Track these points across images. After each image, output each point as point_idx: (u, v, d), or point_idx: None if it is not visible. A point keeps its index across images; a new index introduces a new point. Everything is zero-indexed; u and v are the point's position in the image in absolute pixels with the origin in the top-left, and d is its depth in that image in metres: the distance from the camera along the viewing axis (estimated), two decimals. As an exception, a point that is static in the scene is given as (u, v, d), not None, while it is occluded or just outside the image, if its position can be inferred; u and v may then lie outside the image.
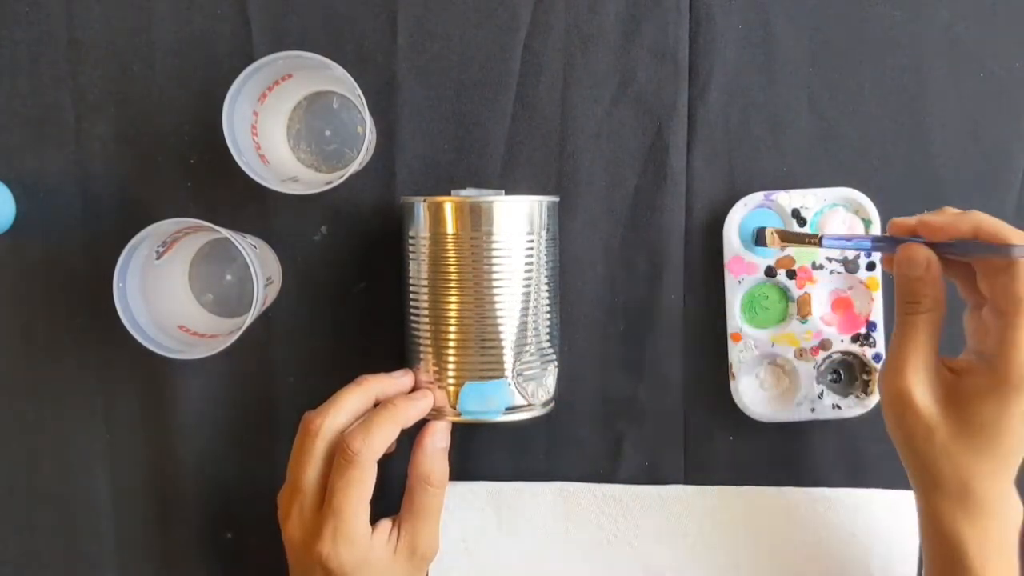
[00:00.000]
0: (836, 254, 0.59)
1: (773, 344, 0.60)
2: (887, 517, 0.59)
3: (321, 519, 0.50)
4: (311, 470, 0.51)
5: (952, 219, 0.48)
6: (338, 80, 0.54)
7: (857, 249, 0.57)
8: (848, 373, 0.60)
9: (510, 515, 0.60)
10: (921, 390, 0.48)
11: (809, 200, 0.59)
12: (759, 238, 0.58)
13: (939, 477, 0.48)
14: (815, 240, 0.54)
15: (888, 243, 0.52)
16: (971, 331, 0.51)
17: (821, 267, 0.59)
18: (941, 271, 0.48)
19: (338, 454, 0.50)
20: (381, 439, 0.51)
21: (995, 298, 0.47)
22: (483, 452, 0.61)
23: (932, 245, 0.49)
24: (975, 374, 0.47)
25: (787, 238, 0.57)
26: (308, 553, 0.50)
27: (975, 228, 0.47)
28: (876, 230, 0.59)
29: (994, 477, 0.47)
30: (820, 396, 0.60)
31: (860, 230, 0.59)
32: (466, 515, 0.60)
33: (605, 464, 0.61)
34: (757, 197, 0.59)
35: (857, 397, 0.60)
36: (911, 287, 0.49)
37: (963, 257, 0.49)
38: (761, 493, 0.60)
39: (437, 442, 0.54)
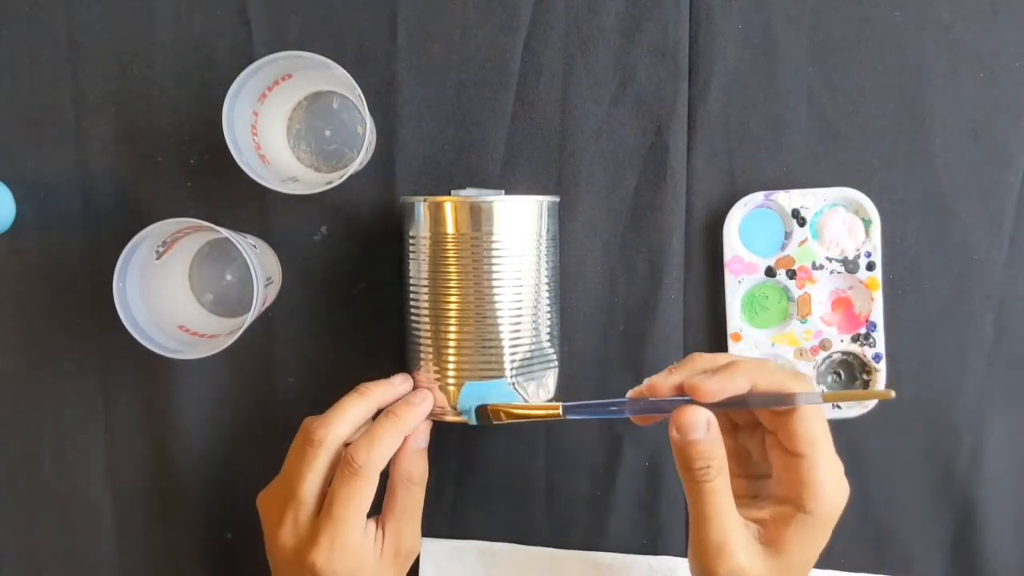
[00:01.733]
0: (836, 253, 0.59)
1: (773, 344, 0.60)
2: None
3: (318, 527, 0.50)
4: (311, 479, 0.51)
5: (723, 379, 0.46)
6: (338, 80, 0.54)
7: (604, 417, 0.51)
8: (848, 373, 0.60)
9: None
10: (746, 558, 0.45)
11: (809, 200, 0.59)
12: (480, 416, 0.52)
13: None
14: (555, 412, 0.50)
15: (645, 405, 0.48)
16: (756, 456, 0.50)
17: (821, 267, 0.59)
18: (718, 428, 0.46)
19: (342, 465, 0.50)
20: (385, 450, 0.51)
21: (786, 440, 0.46)
22: (483, 453, 0.61)
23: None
24: (787, 522, 0.46)
25: (512, 415, 0.52)
26: (300, 562, 0.50)
27: (751, 383, 0.46)
28: (876, 230, 0.59)
29: None
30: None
31: (860, 230, 0.59)
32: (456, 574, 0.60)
33: (605, 464, 0.61)
34: (757, 197, 0.59)
35: (857, 397, 0.60)
36: (696, 452, 0.45)
37: (740, 408, 0.47)
38: None
39: (419, 443, 0.54)
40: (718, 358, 0.48)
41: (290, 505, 0.51)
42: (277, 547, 0.51)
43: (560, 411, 0.50)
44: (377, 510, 0.53)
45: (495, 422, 0.52)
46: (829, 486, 0.46)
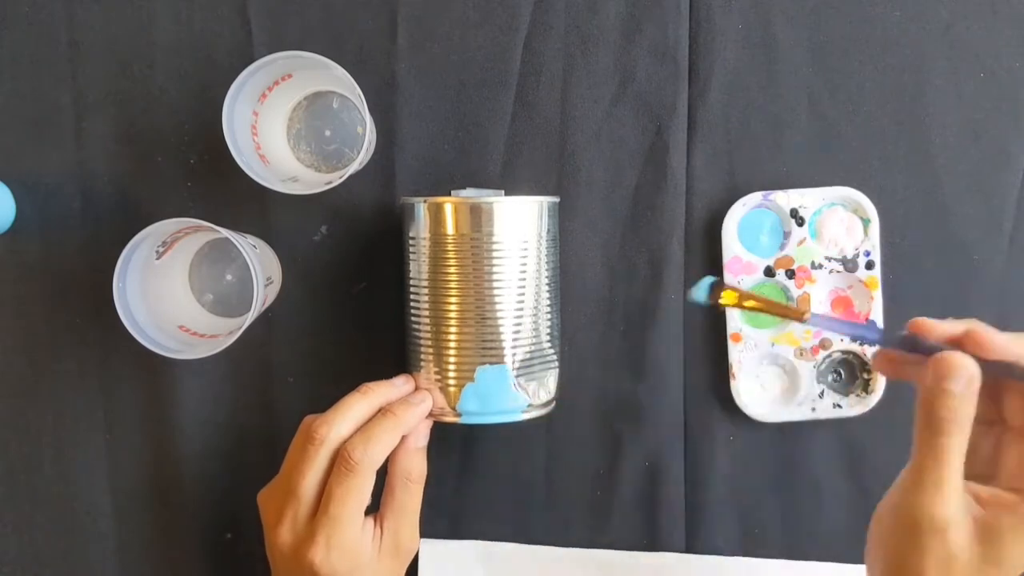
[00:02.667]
0: (835, 252, 0.59)
1: (773, 344, 0.60)
2: None
3: (315, 526, 0.50)
4: (311, 477, 0.51)
5: (1013, 337, 0.43)
6: (338, 80, 0.54)
7: (854, 335, 0.49)
8: (848, 372, 0.60)
9: None
10: (958, 520, 0.42)
11: (807, 200, 0.59)
12: (710, 292, 0.48)
13: None
14: (800, 314, 0.47)
15: (904, 343, 0.45)
16: (983, 454, 0.46)
17: (820, 267, 0.59)
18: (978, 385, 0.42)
19: (339, 462, 0.50)
20: (382, 448, 0.51)
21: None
22: (482, 453, 0.61)
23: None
24: (1013, 513, 0.42)
25: (751, 300, 0.48)
26: (298, 560, 0.50)
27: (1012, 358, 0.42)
28: (875, 229, 0.59)
29: None
30: (820, 395, 0.60)
31: (859, 229, 0.59)
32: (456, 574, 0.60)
33: (605, 464, 0.61)
34: (756, 197, 0.59)
35: (858, 396, 0.60)
36: (946, 403, 0.42)
37: (1007, 375, 0.43)
38: (761, 565, 0.60)
39: (418, 441, 0.54)
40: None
41: (289, 503, 0.51)
42: (276, 545, 0.51)
43: (808, 315, 0.46)
44: (375, 508, 0.53)
45: (723, 303, 0.47)
46: None
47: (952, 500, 0.42)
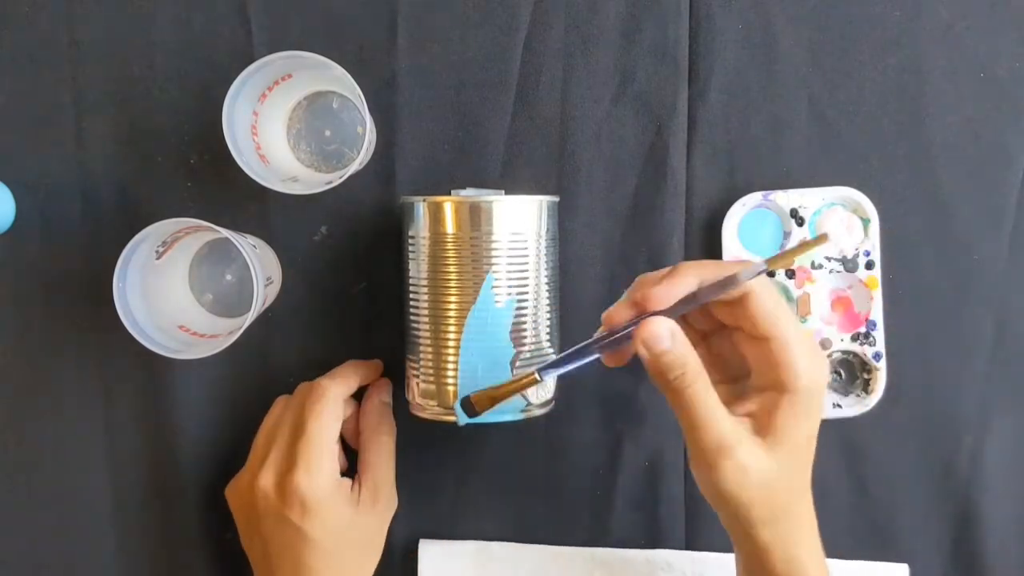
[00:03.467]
0: (835, 252, 0.59)
1: (773, 344, 0.60)
2: None
3: (294, 453, 0.52)
4: (287, 421, 0.55)
5: (670, 283, 0.46)
6: (338, 80, 0.54)
7: (580, 365, 0.48)
8: (848, 372, 0.60)
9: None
10: (748, 457, 0.44)
11: (807, 199, 0.59)
12: (466, 408, 0.50)
13: (773, 511, 0.46)
14: (531, 378, 0.48)
15: (609, 340, 0.47)
16: (731, 359, 0.49)
17: (820, 266, 0.59)
18: (683, 334, 0.45)
19: (309, 393, 0.55)
20: (346, 382, 0.56)
21: (749, 327, 0.46)
22: (483, 453, 0.61)
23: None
24: (776, 406, 0.45)
25: (494, 397, 0.49)
26: (282, 493, 0.52)
27: (699, 280, 0.46)
28: (875, 229, 0.59)
29: (804, 491, 0.48)
30: (820, 396, 0.60)
31: (859, 229, 0.59)
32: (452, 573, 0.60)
33: (605, 464, 0.61)
34: (756, 197, 0.59)
35: (857, 396, 0.60)
36: (667, 362, 0.45)
37: (694, 307, 0.46)
38: None
39: (383, 396, 0.58)
40: (661, 271, 0.47)
41: (269, 447, 0.54)
42: (259, 490, 0.53)
43: (536, 375, 0.48)
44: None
45: (478, 411, 0.49)
46: (804, 359, 0.45)
47: (718, 431, 0.44)
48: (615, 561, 0.60)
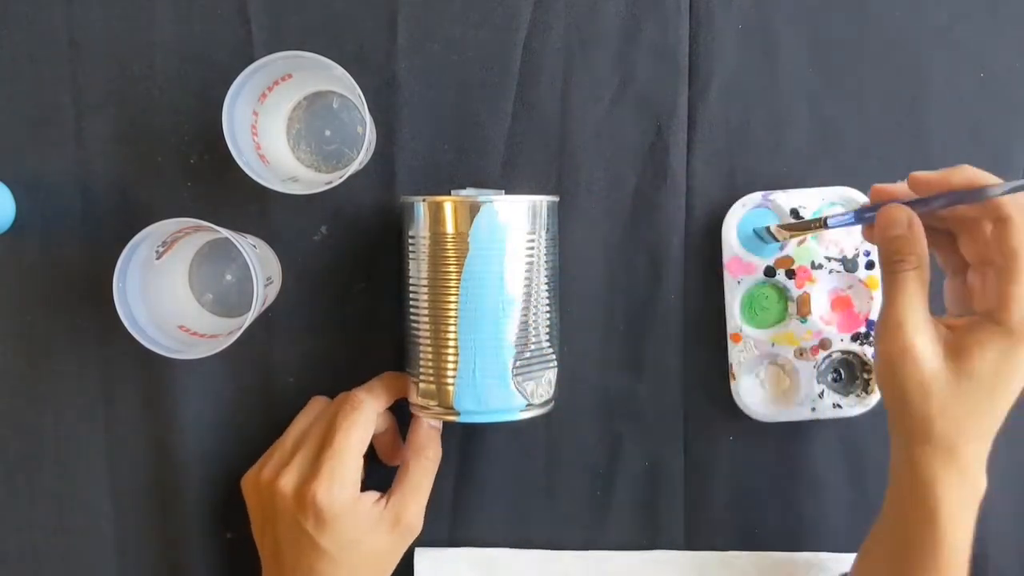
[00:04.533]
0: (835, 252, 0.59)
1: (773, 344, 0.60)
2: None
3: (320, 462, 0.52)
4: (320, 425, 0.55)
5: (941, 174, 0.48)
6: (338, 80, 0.54)
7: (858, 222, 0.54)
8: (848, 372, 0.61)
9: None
10: (923, 342, 0.47)
11: (807, 200, 0.59)
12: (765, 235, 0.58)
13: (930, 432, 0.47)
14: (821, 224, 0.55)
15: (868, 213, 0.52)
16: (954, 299, 0.52)
17: (820, 266, 0.59)
18: (921, 227, 0.48)
19: (344, 403, 0.54)
20: (384, 395, 0.56)
21: (988, 254, 0.47)
22: (482, 453, 0.61)
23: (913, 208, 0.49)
24: (976, 330, 0.47)
25: (794, 228, 0.57)
26: (300, 499, 0.52)
27: (967, 181, 0.47)
28: (875, 229, 0.59)
29: (981, 440, 0.48)
30: (821, 396, 0.60)
31: (858, 229, 0.59)
32: None
33: (605, 464, 0.61)
34: (756, 197, 0.59)
35: (858, 396, 0.60)
36: (895, 246, 0.48)
37: (942, 209, 0.49)
38: (762, 558, 0.60)
39: (432, 421, 0.56)
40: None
41: (297, 448, 0.54)
42: (277, 491, 0.52)
43: (825, 222, 0.54)
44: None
45: (779, 240, 0.58)
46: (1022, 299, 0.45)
47: (917, 329, 0.47)
48: (614, 564, 0.60)
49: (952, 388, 0.47)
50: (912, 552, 0.49)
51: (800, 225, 0.57)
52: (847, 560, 0.59)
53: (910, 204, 0.49)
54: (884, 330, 0.48)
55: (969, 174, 0.47)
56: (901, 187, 0.50)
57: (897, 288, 0.48)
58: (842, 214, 0.54)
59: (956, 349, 0.47)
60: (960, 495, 0.48)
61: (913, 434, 0.48)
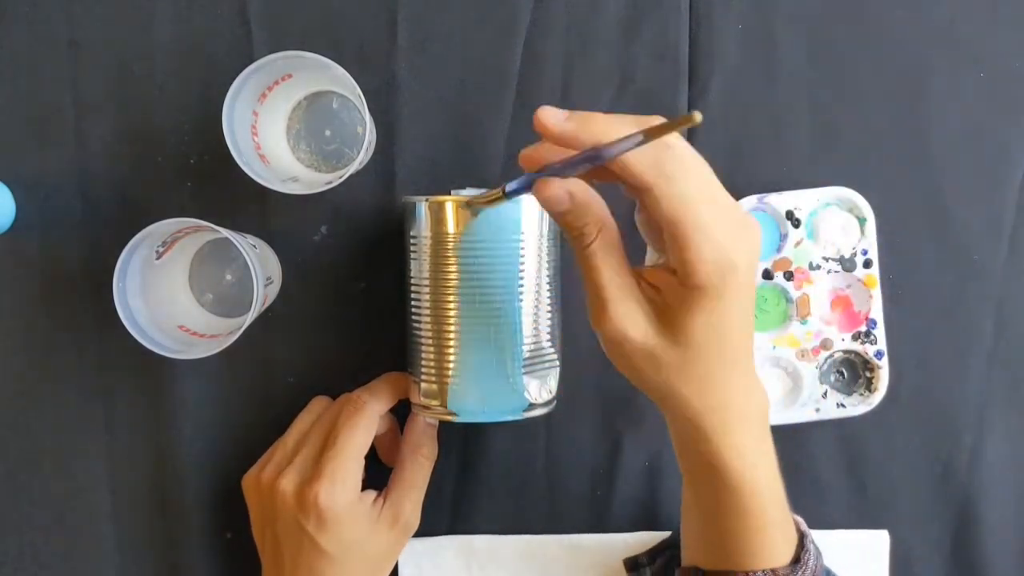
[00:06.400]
0: (832, 252, 0.59)
1: (775, 347, 0.60)
2: (855, 557, 0.60)
3: (321, 463, 0.52)
4: (322, 426, 0.55)
5: (569, 134, 0.40)
6: (338, 80, 0.54)
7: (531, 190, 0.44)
8: (851, 371, 0.61)
9: (481, 570, 0.60)
10: (631, 322, 0.42)
11: (802, 201, 0.59)
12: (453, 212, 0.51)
13: (677, 396, 0.44)
14: (500, 193, 0.46)
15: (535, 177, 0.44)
16: (645, 231, 0.46)
17: (818, 267, 0.59)
18: (586, 194, 0.41)
19: (346, 405, 0.55)
20: (385, 397, 0.56)
21: (651, 213, 0.41)
22: (483, 452, 0.61)
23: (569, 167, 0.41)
24: (678, 296, 0.42)
25: (475, 201, 0.50)
26: (301, 499, 0.52)
27: (596, 141, 0.39)
28: (871, 228, 0.59)
29: (729, 382, 0.44)
30: (824, 396, 0.60)
31: (855, 229, 0.59)
32: (438, 571, 0.60)
33: (605, 464, 0.61)
34: (751, 201, 0.59)
35: (861, 395, 0.60)
36: (565, 222, 0.42)
37: (589, 172, 0.42)
38: None
39: (428, 418, 0.57)
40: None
41: (299, 449, 0.54)
42: (279, 493, 0.53)
43: (503, 191, 0.46)
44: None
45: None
46: (705, 255, 0.39)
47: (625, 308, 0.42)
48: (596, 547, 0.60)
49: (679, 355, 0.43)
50: (718, 511, 0.46)
51: (481, 198, 0.50)
52: (827, 536, 0.59)
53: (560, 168, 0.41)
54: (593, 313, 0.43)
55: (596, 129, 0.39)
56: (547, 147, 0.42)
57: (587, 264, 0.43)
58: (516, 181, 0.45)
59: (668, 320, 0.42)
60: (739, 441, 0.45)
61: (663, 400, 0.45)
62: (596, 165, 0.40)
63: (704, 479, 0.47)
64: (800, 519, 0.50)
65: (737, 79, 0.60)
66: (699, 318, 0.41)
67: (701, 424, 0.44)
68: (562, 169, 0.41)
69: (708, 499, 0.47)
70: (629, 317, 0.42)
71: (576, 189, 0.42)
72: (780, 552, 0.48)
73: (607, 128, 0.39)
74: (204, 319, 0.59)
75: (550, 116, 0.40)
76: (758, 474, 0.46)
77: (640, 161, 0.39)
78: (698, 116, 0.34)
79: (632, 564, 0.59)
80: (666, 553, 0.58)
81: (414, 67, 0.60)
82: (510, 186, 0.45)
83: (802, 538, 0.49)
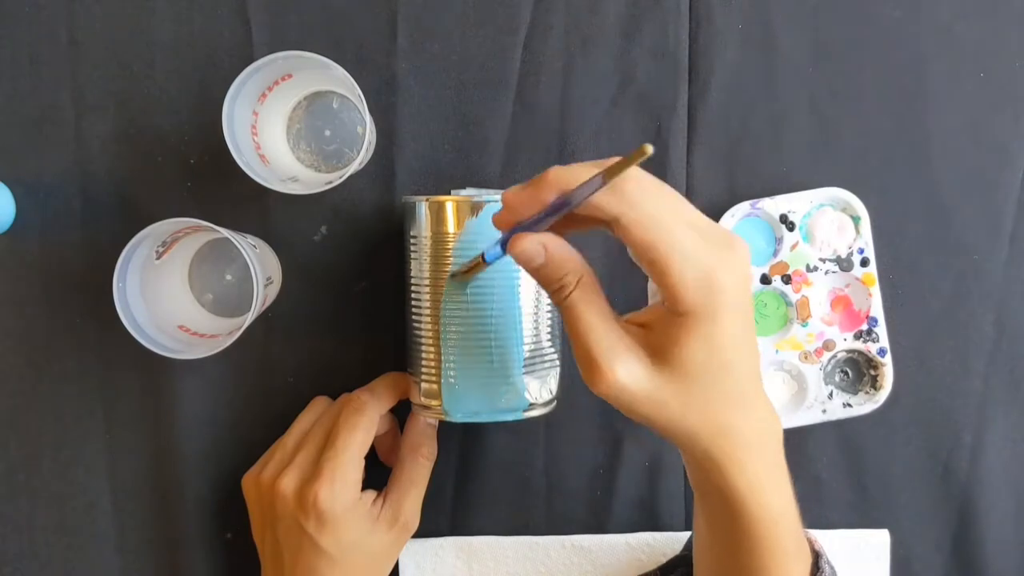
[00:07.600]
0: (829, 253, 0.59)
1: (777, 351, 0.60)
2: (855, 557, 0.60)
3: (321, 463, 0.52)
4: (322, 426, 0.55)
5: (530, 191, 0.41)
6: (338, 80, 0.54)
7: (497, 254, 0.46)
8: (855, 371, 0.61)
9: (481, 570, 0.60)
10: (626, 372, 0.41)
11: (796, 204, 0.59)
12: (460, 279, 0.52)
13: (689, 435, 0.43)
14: (480, 261, 0.48)
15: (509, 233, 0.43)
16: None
17: (815, 269, 0.59)
18: (561, 246, 0.41)
19: (346, 405, 0.55)
20: (385, 397, 0.56)
21: (628, 246, 0.40)
22: (483, 452, 0.61)
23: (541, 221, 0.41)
24: (666, 327, 0.41)
25: (459, 273, 0.51)
26: (301, 499, 0.52)
27: (557, 189, 0.40)
28: (866, 227, 0.59)
29: (735, 408, 0.43)
30: (830, 397, 0.60)
31: (850, 229, 0.59)
32: (438, 572, 0.60)
33: (605, 464, 0.61)
34: (744, 207, 0.59)
35: (867, 393, 0.60)
36: (542, 276, 0.42)
37: (558, 221, 0.41)
38: None
39: (429, 418, 0.57)
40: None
41: (299, 448, 0.54)
42: (277, 493, 0.53)
43: (483, 257, 0.47)
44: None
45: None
46: (687, 277, 0.39)
47: (614, 356, 0.41)
48: (597, 548, 0.60)
49: (680, 389, 0.42)
50: (732, 540, 0.45)
51: (465, 267, 0.51)
52: (827, 535, 0.59)
53: (532, 223, 0.41)
54: (585, 375, 0.42)
55: (557, 180, 0.40)
56: (519, 200, 0.41)
57: (570, 314, 0.42)
58: (493, 245, 0.46)
59: (662, 356, 0.41)
60: (745, 465, 0.44)
61: (674, 437, 0.44)
62: (563, 213, 0.40)
63: (718, 509, 0.45)
64: (814, 536, 0.50)
65: (737, 79, 0.60)
66: (694, 345, 0.40)
67: (711, 454, 0.43)
68: (533, 224, 0.41)
69: (721, 528, 0.46)
70: (623, 368, 0.41)
71: (550, 241, 0.41)
72: None
73: (568, 176, 0.39)
74: (204, 319, 0.59)
75: (510, 191, 0.41)
76: (773, 505, 0.45)
77: (602, 195, 0.39)
78: (649, 148, 0.35)
79: None
80: (679, 570, 0.57)
81: (414, 67, 0.60)
82: (489, 254, 0.46)
83: (817, 558, 0.48)
